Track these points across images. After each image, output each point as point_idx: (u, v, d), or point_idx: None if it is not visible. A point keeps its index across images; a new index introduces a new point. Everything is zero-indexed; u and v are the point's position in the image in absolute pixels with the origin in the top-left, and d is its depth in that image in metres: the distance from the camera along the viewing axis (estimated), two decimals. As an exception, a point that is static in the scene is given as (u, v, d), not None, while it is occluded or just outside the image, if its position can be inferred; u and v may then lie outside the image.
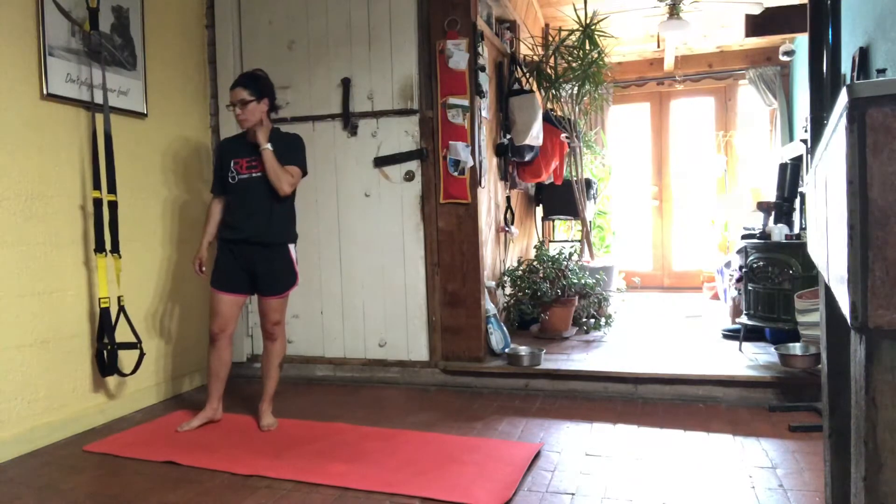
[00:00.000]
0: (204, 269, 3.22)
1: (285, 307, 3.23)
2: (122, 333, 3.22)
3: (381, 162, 3.86)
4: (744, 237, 4.36)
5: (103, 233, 3.20)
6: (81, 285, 3.21)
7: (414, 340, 3.86)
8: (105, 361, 3.18)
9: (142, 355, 3.26)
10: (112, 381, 3.35)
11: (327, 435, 3.00)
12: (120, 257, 3.26)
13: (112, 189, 3.24)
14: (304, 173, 3.20)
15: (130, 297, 3.44)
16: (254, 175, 3.07)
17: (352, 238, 3.94)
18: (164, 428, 3.15)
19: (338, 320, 3.99)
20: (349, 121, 3.90)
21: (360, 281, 3.94)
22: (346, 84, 3.89)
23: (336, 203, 3.96)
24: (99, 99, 3.23)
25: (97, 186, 3.19)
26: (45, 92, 3.02)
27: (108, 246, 3.22)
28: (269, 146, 3.04)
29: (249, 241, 3.08)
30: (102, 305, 3.17)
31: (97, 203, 3.19)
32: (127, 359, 3.28)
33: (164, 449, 2.85)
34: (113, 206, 3.25)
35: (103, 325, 3.18)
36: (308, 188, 3.98)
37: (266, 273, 3.12)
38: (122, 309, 3.24)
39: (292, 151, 3.16)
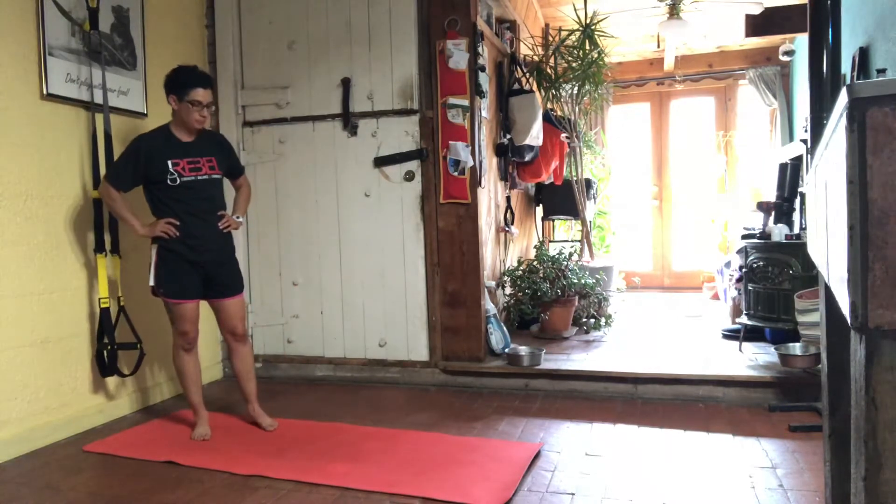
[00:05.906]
0: (171, 223, 2.91)
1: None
2: (124, 333, 3.22)
3: (381, 162, 3.85)
4: (744, 237, 4.36)
5: (103, 233, 3.21)
6: (81, 285, 3.21)
7: (414, 340, 3.86)
8: (105, 362, 3.19)
9: (142, 355, 3.26)
10: (112, 381, 3.35)
11: (327, 435, 3.00)
12: (121, 257, 3.26)
13: None
14: None
15: (134, 296, 3.44)
16: (199, 178, 2.95)
17: (352, 238, 3.94)
18: (164, 428, 3.16)
19: (338, 320, 3.99)
20: (349, 121, 3.90)
21: (360, 281, 3.94)
22: (346, 84, 3.88)
23: (336, 203, 3.95)
24: (99, 99, 3.23)
25: (97, 187, 3.18)
26: (45, 92, 3.01)
27: (108, 246, 3.23)
28: (241, 220, 3.16)
29: (214, 260, 3.01)
30: (102, 305, 3.17)
31: (97, 203, 3.19)
32: (127, 358, 3.28)
33: (164, 449, 2.85)
34: None
35: (103, 326, 3.19)
36: (308, 188, 3.99)
37: (224, 274, 3.07)
38: (122, 309, 3.24)
39: (234, 157, 3.19)
